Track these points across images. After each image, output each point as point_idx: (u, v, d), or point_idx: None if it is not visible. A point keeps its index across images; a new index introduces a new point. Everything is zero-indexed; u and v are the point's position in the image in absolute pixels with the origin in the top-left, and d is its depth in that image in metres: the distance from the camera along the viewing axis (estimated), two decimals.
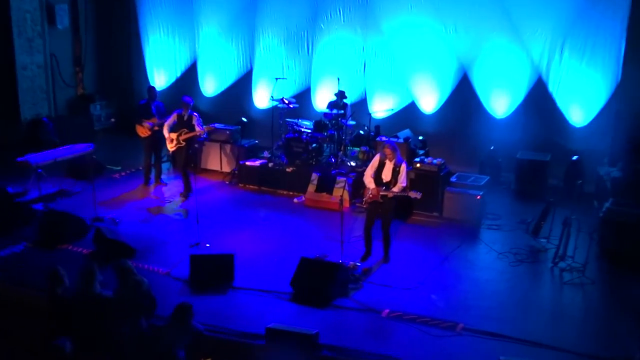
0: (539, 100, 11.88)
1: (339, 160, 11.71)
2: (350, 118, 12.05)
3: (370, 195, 8.62)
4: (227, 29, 14.13)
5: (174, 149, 11.20)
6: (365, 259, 8.90)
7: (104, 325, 6.54)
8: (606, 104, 11.38)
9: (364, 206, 9.06)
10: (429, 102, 12.69)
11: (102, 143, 13.78)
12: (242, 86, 14.28)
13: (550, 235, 9.46)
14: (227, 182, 12.16)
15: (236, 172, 12.22)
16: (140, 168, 12.17)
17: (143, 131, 11.50)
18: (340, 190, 10.18)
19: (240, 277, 8.40)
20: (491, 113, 12.25)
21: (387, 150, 8.58)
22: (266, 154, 12.38)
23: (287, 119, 12.35)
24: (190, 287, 8.26)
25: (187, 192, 11.26)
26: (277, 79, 12.62)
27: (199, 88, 14.67)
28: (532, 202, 10.68)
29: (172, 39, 14.86)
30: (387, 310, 7.69)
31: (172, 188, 11.75)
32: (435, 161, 10.68)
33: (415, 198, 8.58)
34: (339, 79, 12.04)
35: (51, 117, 13.93)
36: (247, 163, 12.10)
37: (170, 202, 11.11)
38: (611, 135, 11.02)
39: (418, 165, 10.66)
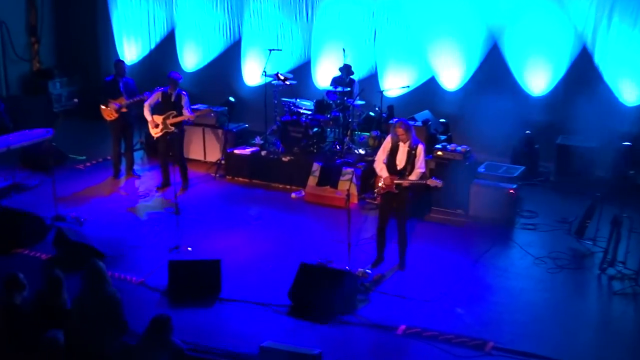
0: (583, 75, 11.86)
1: (345, 147, 11.71)
2: (358, 97, 12.04)
3: (383, 186, 8.60)
4: None
5: (159, 134, 11.19)
6: (377, 265, 8.90)
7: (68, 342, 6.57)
8: None
9: (376, 201, 9.06)
10: (452, 77, 12.68)
11: (64, 128, 13.79)
12: (229, 59, 14.26)
13: (596, 236, 9.44)
14: (212, 175, 12.18)
15: (223, 162, 12.24)
16: (109, 157, 12.19)
17: (109, 113, 11.51)
18: (347, 184, 10.18)
19: (228, 286, 8.41)
20: (526, 90, 12.25)
21: (400, 130, 8.50)
22: (258, 140, 12.38)
23: (283, 99, 12.35)
24: (169, 299, 8.27)
25: (185, 184, 11.39)
26: (270, 50, 12.59)
27: (178, 62, 14.66)
28: (575, 197, 10.67)
29: (145, 3, 14.85)
30: (403, 327, 7.70)
31: (146, 181, 11.78)
32: (459, 148, 10.68)
33: (436, 187, 8.57)
34: (344, 51, 12.02)
35: (1, 96, 13.94)
36: (236, 151, 12.11)
37: (150, 197, 11.13)
38: None
39: (439, 153, 10.66)
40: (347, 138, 11.89)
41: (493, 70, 12.38)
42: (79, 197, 11.10)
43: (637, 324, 8.11)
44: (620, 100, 11.72)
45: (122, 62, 11.98)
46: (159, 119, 11.10)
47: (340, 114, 11.80)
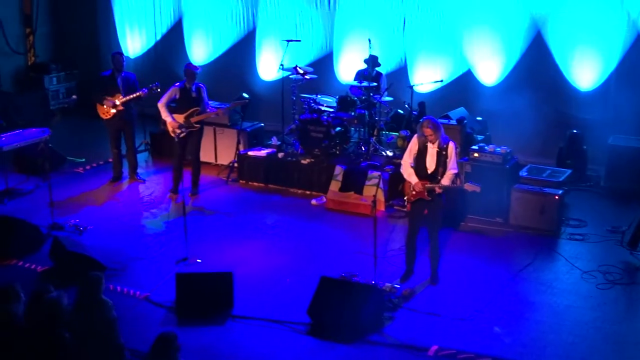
0: (637, 67, 11.83)
1: (371, 148, 11.76)
2: (385, 93, 12.09)
3: (414, 193, 8.63)
4: None
5: (184, 134, 11.09)
6: (407, 279, 8.92)
7: None
8: None
9: (405, 208, 9.08)
10: (490, 71, 12.69)
11: (61, 127, 13.92)
12: (243, 52, 14.36)
13: None
14: (224, 179, 12.27)
15: (235, 165, 12.33)
16: (110, 160, 12.32)
17: (104, 112, 11.59)
18: (373, 189, 10.20)
19: (241, 302, 8.46)
20: (573, 85, 12.23)
21: (427, 130, 8.46)
22: (275, 140, 12.46)
23: (302, 95, 12.41)
24: (176, 315, 8.33)
25: (195, 189, 11.52)
26: (288, 41, 12.67)
27: (186, 54, 14.79)
28: (628, 204, 10.65)
29: None
30: (434, 347, 7.72)
31: (151, 186, 11.89)
32: (498, 149, 10.68)
33: (474, 191, 8.58)
34: (370, 41, 12.06)
35: None
36: (250, 153, 12.20)
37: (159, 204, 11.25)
38: None
39: (476, 154, 10.67)
40: (374, 138, 11.93)
41: (536, 63, 12.38)
42: (77, 203, 11.20)
43: None
44: None
45: (121, 54, 11.91)
46: (180, 118, 11.03)
47: (366, 112, 11.82)
